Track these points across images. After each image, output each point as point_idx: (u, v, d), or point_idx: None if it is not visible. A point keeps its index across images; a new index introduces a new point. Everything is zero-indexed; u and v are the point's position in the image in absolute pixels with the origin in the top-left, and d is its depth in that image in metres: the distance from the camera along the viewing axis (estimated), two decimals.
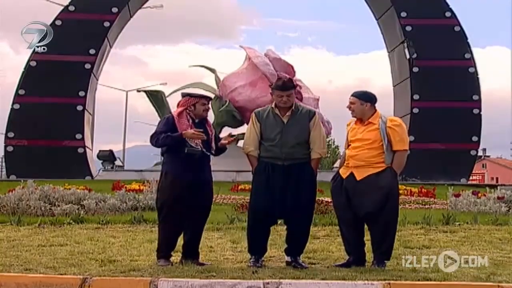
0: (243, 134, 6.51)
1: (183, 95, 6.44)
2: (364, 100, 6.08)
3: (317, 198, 10.17)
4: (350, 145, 6.13)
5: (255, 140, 6.13)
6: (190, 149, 6.06)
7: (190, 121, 6.17)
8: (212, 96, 22.10)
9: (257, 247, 6.13)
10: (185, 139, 6.05)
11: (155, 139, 6.14)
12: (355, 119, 6.17)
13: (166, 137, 6.06)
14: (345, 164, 6.10)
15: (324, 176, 9.50)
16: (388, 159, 5.96)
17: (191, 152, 6.06)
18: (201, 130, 6.09)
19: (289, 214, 6.07)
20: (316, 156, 6.09)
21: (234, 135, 6.57)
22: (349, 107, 6.12)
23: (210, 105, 6.43)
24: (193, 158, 6.08)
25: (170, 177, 6.11)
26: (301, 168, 6.02)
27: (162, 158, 6.40)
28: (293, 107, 6.13)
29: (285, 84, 6.17)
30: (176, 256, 6.20)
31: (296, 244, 6.12)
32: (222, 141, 6.40)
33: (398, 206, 6.14)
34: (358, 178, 5.95)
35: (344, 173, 6.06)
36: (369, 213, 5.92)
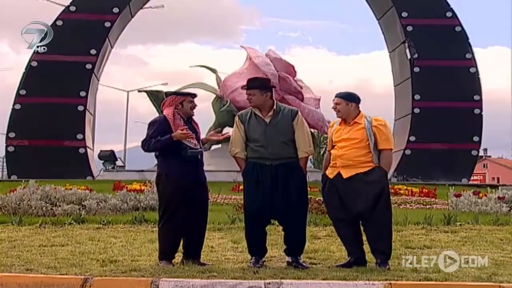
0: None
1: (168, 94, 6.41)
2: (349, 101, 6.13)
3: (317, 198, 10.12)
4: (334, 146, 6.14)
5: (241, 142, 6.15)
6: (191, 151, 6.05)
7: (181, 120, 6.17)
8: (213, 95, 22.15)
9: (256, 248, 6.13)
10: (181, 142, 6.03)
11: (146, 145, 6.13)
12: (338, 120, 6.23)
13: (157, 141, 6.05)
14: (331, 164, 6.11)
15: None
16: (376, 159, 6.00)
17: (193, 154, 6.06)
18: (186, 127, 6.06)
19: (280, 214, 6.09)
20: (303, 155, 6.10)
21: (218, 130, 6.55)
22: (335, 108, 6.17)
23: (196, 103, 6.41)
24: (191, 158, 6.07)
25: (170, 179, 6.08)
26: (290, 167, 6.04)
27: (157, 160, 6.36)
28: (275, 107, 6.15)
29: (248, 83, 6.28)
30: (177, 257, 6.20)
31: (293, 244, 6.12)
32: (211, 137, 6.41)
33: (390, 205, 6.16)
34: (344, 176, 5.97)
35: (331, 173, 6.10)
36: (361, 212, 5.94)
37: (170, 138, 6.00)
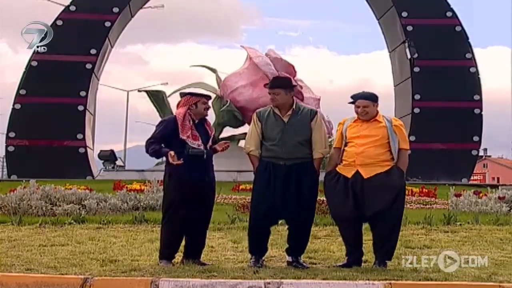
0: (244, 134, 6.51)
1: (183, 94, 6.40)
2: (375, 101, 6.12)
3: (317, 198, 10.12)
4: (348, 142, 6.09)
5: (256, 140, 6.12)
6: (193, 150, 6.04)
7: (191, 122, 6.16)
8: (213, 95, 22.16)
9: (257, 247, 6.12)
10: (185, 142, 6.04)
11: (146, 147, 6.17)
12: (350, 118, 6.17)
13: (156, 150, 6.10)
14: (347, 162, 6.03)
15: None
16: (396, 158, 5.97)
17: (194, 153, 6.04)
18: (179, 161, 6.00)
19: (290, 214, 6.06)
20: (318, 156, 6.08)
21: (227, 142, 6.53)
22: (364, 112, 6.05)
23: (210, 104, 6.43)
24: (193, 158, 6.06)
25: (175, 178, 6.08)
26: (303, 168, 6.01)
27: (164, 158, 6.37)
28: (294, 107, 6.13)
29: (272, 82, 6.25)
30: (177, 256, 6.20)
31: (297, 244, 6.12)
32: (217, 147, 6.37)
33: (404, 207, 6.13)
34: (365, 176, 5.91)
35: (347, 172, 6.00)
36: (378, 212, 5.89)
37: (166, 152, 6.03)
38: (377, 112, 6.11)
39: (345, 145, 6.10)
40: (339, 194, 6.04)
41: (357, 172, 5.95)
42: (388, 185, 5.88)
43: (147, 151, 6.19)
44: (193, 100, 6.23)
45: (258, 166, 6.11)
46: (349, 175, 5.98)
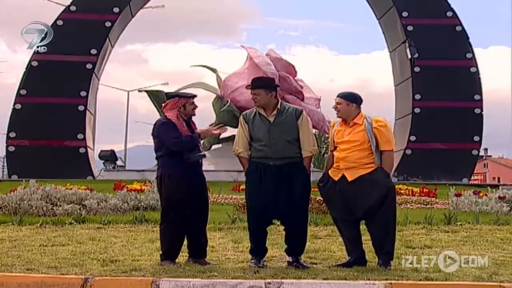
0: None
1: (170, 96, 6.37)
2: (350, 101, 6.11)
3: (318, 198, 10.13)
4: (337, 147, 6.13)
5: (245, 141, 6.15)
6: (196, 155, 6.06)
7: (185, 124, 6.17)
8: (213, 95, 22.15)
9: (258, 248, 6.13)
10: None
11: (184, 144, 6.05)
12: (339, 120, 6.21)
13: (192, 137, 6.10)
14: (335, 166, 6.09)
15: None
16: (378, 160, 6.00)
17: (198, 157, 6.08)
18: (217, 127, 6.21)
19: (283, 214, 6.08)
20: (307, 155, 6.10)
21: (221, 124, 6.54)
22: (335, 107, 6.15)
23: (196, 104, 6.41)
24: (194, 161, 6.08)
25: (174, 179, 6.08)
26: (293, 167, 6.02)
27: (157, 161, 6.32)
28: (279, 106, 6.14)
29: (253, 83, 6.24)
30: (180, 257, 6.20)
31: (295, 244, 6.12)
32: (213, 131, 6.43)
33: (395, 205, 6.15)
34: (349, 179, 5.97)
35: (335, 175, 6.07)
36: (366, 211, 5.93)
37: (198, 135, 6.16)
38: (358, 113, 6.11)
39: (335, 149, 6.15)
40: (331, 196, 6.14)
41: (343, 176, 6.02)
42: (373, 183, 5.92)
43: (187, 145, 6.06)
44: (181, 102, 6.23)
45: (249, 167, 6.14)
46: (336, 178, 6.06)
